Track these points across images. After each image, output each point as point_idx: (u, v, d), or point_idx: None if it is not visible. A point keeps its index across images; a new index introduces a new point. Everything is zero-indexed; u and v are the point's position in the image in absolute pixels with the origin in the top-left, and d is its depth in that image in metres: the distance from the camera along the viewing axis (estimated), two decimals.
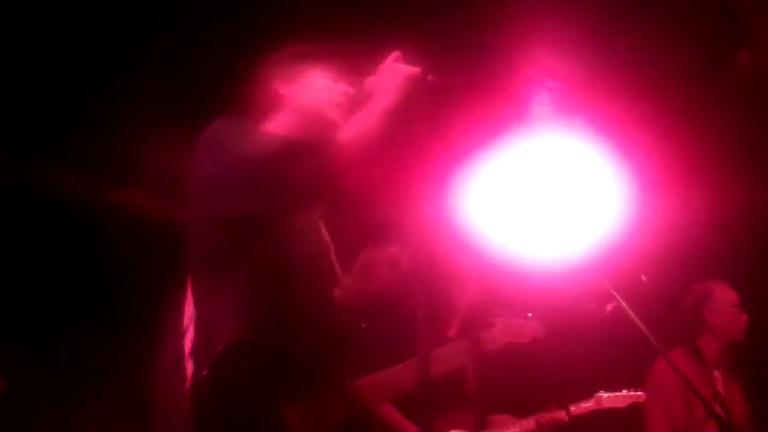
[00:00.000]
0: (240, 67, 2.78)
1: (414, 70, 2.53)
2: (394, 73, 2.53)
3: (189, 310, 2.48)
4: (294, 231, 2.51)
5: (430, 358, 2.32)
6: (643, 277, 3.84)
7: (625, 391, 4.26)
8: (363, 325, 2.71)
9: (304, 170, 2.40)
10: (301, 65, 2.73)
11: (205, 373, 2.32)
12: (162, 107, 3.94)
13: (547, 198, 4.05)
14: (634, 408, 4.31)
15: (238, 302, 2.39)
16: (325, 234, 2.72)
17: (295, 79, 2.71)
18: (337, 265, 2.70)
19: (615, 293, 3.44)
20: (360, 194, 2.52)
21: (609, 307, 3.61)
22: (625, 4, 4.29)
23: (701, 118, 4.81)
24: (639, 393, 4.26)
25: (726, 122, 4.84)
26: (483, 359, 3.97)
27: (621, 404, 4.24)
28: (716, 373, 4.43)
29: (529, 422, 4.13)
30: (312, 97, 2.70)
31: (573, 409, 4.19)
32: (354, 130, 2.45)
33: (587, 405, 4.22)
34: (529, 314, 4.21)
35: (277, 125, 2.65)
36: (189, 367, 2.38)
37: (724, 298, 4.46)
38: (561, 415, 4.14)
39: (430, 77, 2.51)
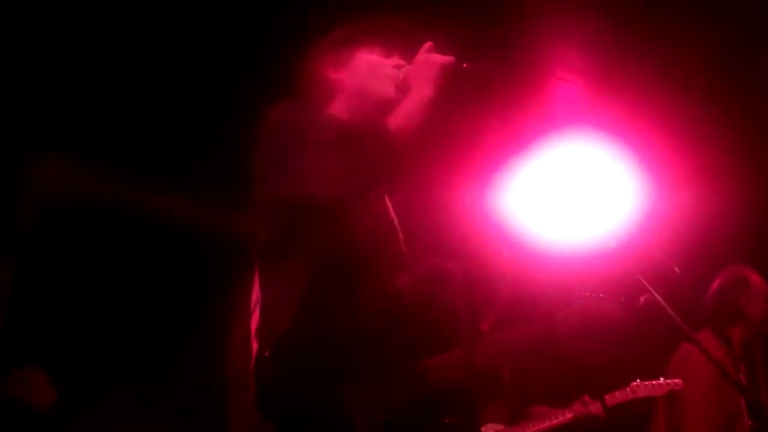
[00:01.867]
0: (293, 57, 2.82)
1: (448, 58, 2.58)
2: (429, 64, 2.58)
3: (256, 292, 2.52)
4: (358, 214, 2.52)
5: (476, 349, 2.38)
6: (676, 269, 3.85)
7: (661, 379, 4.24)
8: (430, 309, 2.70)
9: (366, 156, 2.44)
10: (348, 47, 2.76)
11: (267, 353, 2.37)
12: None
13: (578, 191, 4.09)
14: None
15: (300, 285, 2.40)
16: (392, 218, 2.71)
17: (345, 62, 2.74)
18: (406, 250, 2.69)
19: (647, 285, 3.46)
20: (412, 181, 2.58)
21: (642, 299, 3.63)
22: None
23: (725, 112, 4.82)
24: (676, 381, 4.24)
25: (748, 116, 4.85)
26: (556, 342, 3.94)
27: (658, 393, 4.21)
28: (741, 366, 4.41)
29: (565, 414, 4.11)
30: (364, 77, 2.71)
31: (608, 399, 4.17)
32: (395, 122, 2.49)
33: (623, 394, 4.20)
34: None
35: (336, 110, 2.69)
36: (254, 346, 2.42)
37: (759, 288, 4.43)
38: (597, 405, 4.13)
39: (465, 65, 2.58)
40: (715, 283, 4.52)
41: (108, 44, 4.42)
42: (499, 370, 4.04)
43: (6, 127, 4.57)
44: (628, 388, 4.20)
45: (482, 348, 3.69)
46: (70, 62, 4.48)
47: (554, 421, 4.08)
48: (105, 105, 4.68)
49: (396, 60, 2.73)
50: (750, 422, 4.19)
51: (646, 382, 4.20)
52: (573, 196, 4.08)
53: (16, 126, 4.61)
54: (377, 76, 2.70)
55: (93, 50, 4.45)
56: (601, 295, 4.08)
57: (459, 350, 2.47)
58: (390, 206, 2.72)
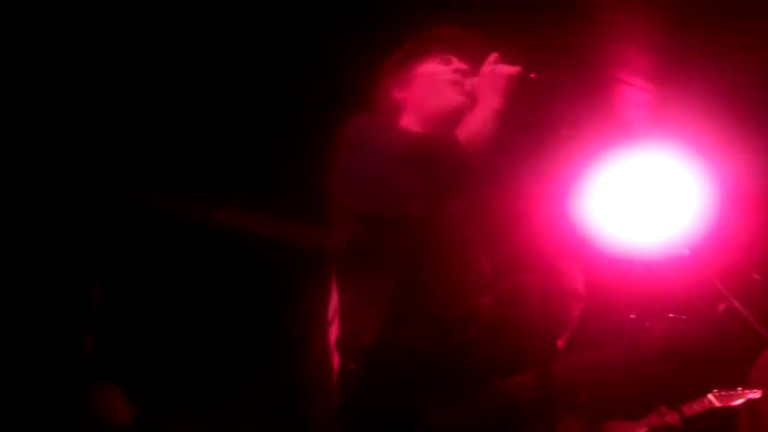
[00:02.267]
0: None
1: (515, 69, 2.56)
2: (496, 75, 2.57)
3: (333, 303, 2.53)
4: (436, 228, 2.51)
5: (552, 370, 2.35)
6: (756, 276, 3.77)
7: (739, 389, 4.13)
8: (516, 321, 2.68)
9: (440, 167, 2.44)
10: (407, 64, 2.77)
11: (352, 366, 2.37)
12: None
13: (652, 199, 4.03)
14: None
15: (379, 298, 2.40)
16: (471, 234, 2.70)
17: (406, 80, 2.76)
18: (486, 266, 2.68)
19: (726, 292, 3.38)
20: (486, 195, 2.57)
21: (720, 307, 3.56)
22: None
23: None
24: (755, 390, 4.13)
25: None
26: (639, 365, 3.87)
27: (736, 403, 4.12)
28: None
29: (642, 426, 4.05)
30: (426, 90, 2.72)
31: (686, 409, 4.09)
32: (465, 135, 2.48)
33: (700, 405, 4.11)
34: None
35: (407, 126, 2.70)
36: (335, 359, 2.43)
37: None
38: (674, 416, 4.05)
39: (532, 74, 2.56)
40: None
41: (182, 69, 4.50)
42: (576, 392, 3.99)
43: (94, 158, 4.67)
44: (705, 399, 4.11)
45: (561, 369, 3.66)
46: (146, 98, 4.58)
47: None
48: (182, 123, 4.75)
49: (455, 65, 2.74)
50: None
51: (725, 392, 4.11)
52: (647, 203, 4.02)
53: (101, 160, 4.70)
54: (439, 86, 2.71)
55: (168, 82, 4.54)
56: (684, 317, 4.02)
57: (537, 370, 2.43)
58: (468, 221, 2.71)
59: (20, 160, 4.67)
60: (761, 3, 4.14)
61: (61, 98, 4.50)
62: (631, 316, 3.76)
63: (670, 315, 3.80)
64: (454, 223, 2.61)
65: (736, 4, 4.18)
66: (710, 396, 4.14)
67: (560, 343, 4.07)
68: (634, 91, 4.29)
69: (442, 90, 2.70)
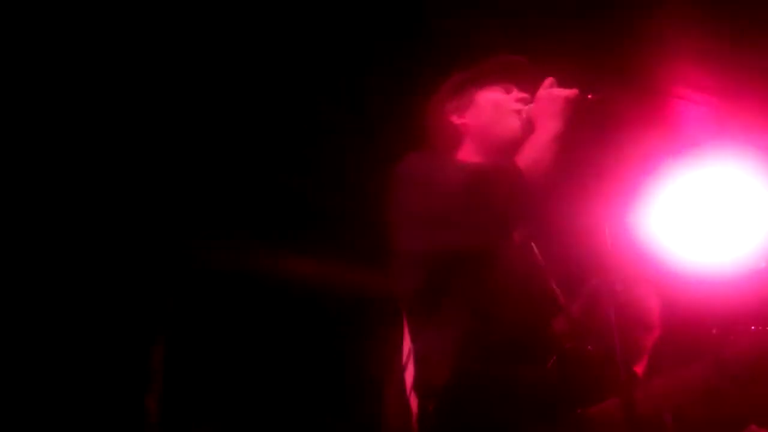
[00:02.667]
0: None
1: (572, 92, 2.55)
2: (553, 98, 2.55)
3: (407, 346, 2.50)
4: (503, 258, 2.48)
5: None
6: None
7: None
8: (589, 348, 2.64)
9: (500, 197, 2.42)
10: (468, 90, 2.76)
11: (431, 408, 2.34)
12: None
13: (721, 212, 3.97)
14: None
15: (453, 336, 2.37)
16: (540, 260, 2.66)
17: (467, 106, 2.75)
18: (559, 292, 2.63)
19: None
20: (550, 219, 2.55)
21: None
22: None
23: None
24: None
25: None
26: (725, 384, 3.75)
27: None
28: None
29: None
30: (488, 117, 2.71)
31: None
32: (526, 161, 2.46)
33: None
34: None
35: (464, 155, 2.70)
36: (413, 401, 2.39)
37: None
38: None
39: (589, 96, 2.55)
40: None
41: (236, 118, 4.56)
42: (662, 417, 3.89)
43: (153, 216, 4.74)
44: None
45: (643, 395, 3.57)
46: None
47: None
48: (245, 173, 4.81)
49: (516, 94, 2.72)
50: None
51: None
52: (719, 217, 3.96)
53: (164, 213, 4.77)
54: (501, 114, 2.70)
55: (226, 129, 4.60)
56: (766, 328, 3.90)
57: (620, 396, 2.38)
58: (536, 248, 2.67)
59: (85, 214, 4.73)
60: None
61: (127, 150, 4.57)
62: (713, 331, 3.67)
63: (753, 327, 3.69)
64: (521, 250, 2.59)
65: None
66: None
67: (639, 369, 4.00)
68: (693, 106, 4.24)
69: (503, 118, 2.68)
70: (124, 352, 4.84)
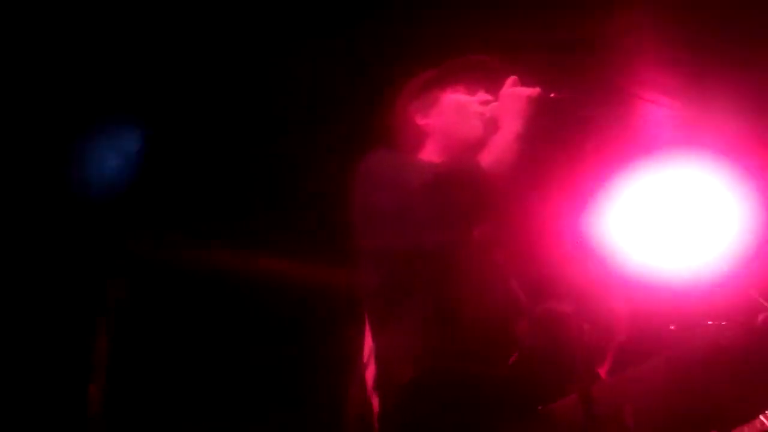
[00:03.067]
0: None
1: (535, 90, 2.56)
2: (515, 98, 2.56)
3: (368, 345, 2.51)
4: (464, 259, 2.49)
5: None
6: None
7: None
8: (550, 346, 2.65)
9: (462, 196, 2.43)
10: (432, 90, 2.76)
11: (391, 406, 2.35)
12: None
13: (684, 215, 4.00)
14: None
15: (414, 334, 2.38)
16: (501, 261, 2.66)
17: (431, 106, 2.75)
18: (520, 292, 2.64)
19: (765, 302, 3.34)
20: (513, 219, 2.55)
21: (760, 318, 3.50)
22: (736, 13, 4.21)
23: None
24: None
25: None
26: (680, 378, 3.77)
27: None
28: None
29: None
30: (451, 118, 2.72)
31: None
32: (488, 160, 2.47)
33: (751, 429, 4.00)
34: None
35: (427, 155, 2.69)
36: (374, 400, 2.40)
37: None
38: None
39: (552, 95, 2.56)
40: None
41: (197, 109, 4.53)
42: (621, 412, 3.91)
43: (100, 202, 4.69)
44: (757, 422, 4.00)
45: (601, 391, 3.59)
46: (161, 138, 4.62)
47: None
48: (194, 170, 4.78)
49: (482, 96, 2.73)
50: None
51: None
52: (679, 220, 3.99)
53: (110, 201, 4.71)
54: (465, 116, 2.71)
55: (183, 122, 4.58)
56: (723, 323, 3.94)
57: (579, 392, 2.40)
58: (498, 247, 2.68)
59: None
60: None
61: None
62: (671, 327, 3.72)
63: (710, 323, 3.74)
64: (483, 250, 2.59)
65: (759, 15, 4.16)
66: (761, 419, 4.03)
67: (602, 370, 4.03)
68: (656, 108, 4.27)
69: (466, 120, 2.69)
70: (68, 338, 4.77)
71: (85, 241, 4.77)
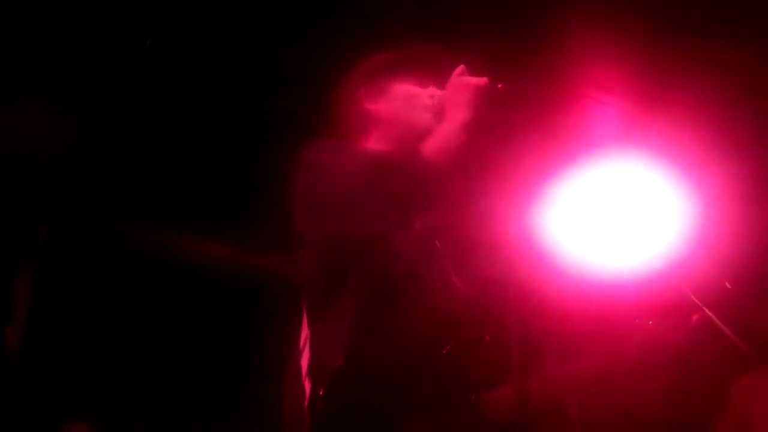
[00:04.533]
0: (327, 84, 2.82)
1: (482, 80, 2.55)
2: (462, 87, 2.56)
3: (304, 331, 2.49)
4: (401, 245, 2.48)
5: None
6: (727, 285, 3.77)
7: None
8: (487, 338, 2.65)
9: (402, 185, 2.42)
10: (383, 77, 2.75)
11: (321, 393, 2.33)
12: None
13: (622, 212, 4.04)
14: None
15: (349, 320, 2.37)
16: (440, 251, 2.66)
17: (381, 93, 2.73)
18: (457, 282, 2.63)
19: (700, 303, 3.38)
20: (454, 209, 2.54)
21: (694, 318, 3.55)
22: (685, 17, 4.26)
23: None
24: None
25: None
26: (620, 373, 3.81)
27: None
28: None
29: None
30: (401, 107, 2.70)
31: None
32: (432, 149, 2.46)
33: None
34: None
35: (372, 142, 2.68)
36: (306, 386, 2.38)
37: None
38: None
39: (499, 86, 2.55)
40: None
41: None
42: (561, 404, 3.95)
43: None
44: None
45: (540, 382, 3.62)
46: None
47: None
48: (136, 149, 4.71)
49: (431, 90, 2.72)
50: None
51: None
52: (616, 217, 4.03)
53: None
54: (413, 106, 2.69)
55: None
56: (662, 321, 3.99)
57: (515, 384, 2.40)
58: (437, 237, 2.67)
59: None
60: (730, 21, 4.18)
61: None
62: (608, 326, 3.76)
63: (649, 322, 3.79)
64: (423, 239, 2.58)
65: (708, 22, 4.21)
66: None
67: (537, 359, 4.06)
68: (602, 106, 4.30)
69: (416, 110, 2.68)
70: None
71: (11, 183, 4.65)
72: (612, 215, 4.02)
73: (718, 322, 3.34)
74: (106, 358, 4.90)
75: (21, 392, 4.54)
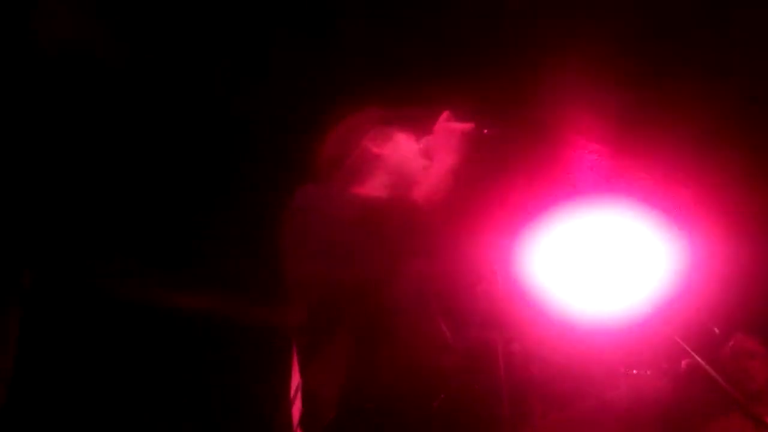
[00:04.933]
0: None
1: (468, 125, 2.57)
2: (449, 132, 2.58)
3: (295, 380, 2.45)
4: (392, 294, 2.45)
5: None
6: (716, 330, 3.76)
7: None
8: (477, 387, 2.62)
9: (392, 231, 2.41)
10: (389, 125, 2.75)
11: None
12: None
13: (608, 259, 4.04)
14: None
15: (338, 371, 2.34)
16: (430, 297, 2.62)
17: (386, 139, 2.73)
18: (447, 330, 2.60)
19: (688, 348, 3.37)
20: (443, 254, 2.54)
21: (683, 363, 3.54)
22: (664, 63, 4.31)
23: (748, 170, 4.77)
24: None
25: None
26: (607, 425, 3.78)
27: None
28: None
29: None
30: (402, 156, 2.70)
31: None
32: (420, 194, 2.47)
33: None
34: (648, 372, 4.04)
35: (362, 187, 2.67)
36: None
37: None
38: None
39: (485, 131, 2.56)
40: None
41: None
42: None
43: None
44: None
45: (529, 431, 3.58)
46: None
47: None
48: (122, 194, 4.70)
49: (419, 136, 2.73)
50: None
51: None
52: (603, 263, 4.03)
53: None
54: (404, 153, 2.71)
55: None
56: (648, 372, 3.98)
57: None
58: (428, 283, 2.65)
59: None
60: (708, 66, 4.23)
61: None
62: (597, 374, 3.74)
63: (634, 371, 3.77)
64: (412, 286, 2.55)
65: (685, 68, 4.26)
66: None
67: (526, 409, 4.02)
68: (587, 154, 4.33)
69: (412, 162, 2.69)
70: None
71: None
72: (598, 261, 4.02)
73: (707, 367, 3.33)
74: (91, 402, 4.83)
75: None
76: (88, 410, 4.80)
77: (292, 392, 2.48)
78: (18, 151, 4.31)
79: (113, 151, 4.42)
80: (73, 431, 4.73)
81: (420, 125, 2.76)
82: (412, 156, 2.69)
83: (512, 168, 2.64)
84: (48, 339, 4.80)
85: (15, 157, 4.33)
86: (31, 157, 4.36)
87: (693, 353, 3.36)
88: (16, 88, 4.06)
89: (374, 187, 2.67)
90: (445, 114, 2.64)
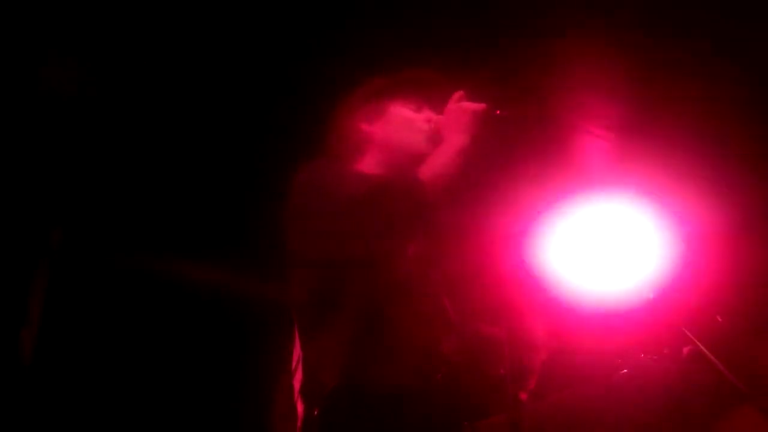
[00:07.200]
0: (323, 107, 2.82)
1: (480, 106, 2.56)
2: (461, 112, 2.57)
3: (297, 352, 2.49)
4: (396, 272, 2.48)
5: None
6: (719, 318, 3.77)
7: None
8: (481, 365, 2.64)
9: (399, 209, 2.41)
10: (380, 100, 2.76)
11: (315, 413, 2.32)
12: None
13: (613, 245, 4.04)
14: None
15: (343, 342, 2.37)
16: (434, 276, 2.65)
17: (378, 115, 2.74)
18: (450, 308, 2.63)
19: (691, 335, 3.38)
20: (450, 234, 2.54)
21: (685, 351, 3.54)
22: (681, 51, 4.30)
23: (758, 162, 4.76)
24: None
25: None
26: (610, 407, 3.78)
27: None
28: None
29: None
30: (397, 130, 2.71)
31: None
32: (429, 174, 2.46)
33: None
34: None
35: (367, 164, 2.69)
36: (299, 406, 2.39)
37: None
38: None
39: (497, 112, 2.56)
40: None
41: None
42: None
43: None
44: None
45: (533, 411, 3.59)
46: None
47: None
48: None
49: (427, 114, 2.72)
50: None
51: None
52: (607, 250, 4.03)
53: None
54: (409, 130, 2.70)
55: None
56: (654, 356, 3.98)
57: (508, 413, 2.39)
58: (432, 262, 2.67)
59: None
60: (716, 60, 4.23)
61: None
62: (600, 357, 3.73)
63: (642, 355, 3.78)
64: (416, 264, 2.58)
65: (695, 60, 4.25)
66: None
67: (528, 389, 4.04)
68: (594, 138, 4.33)
69: (412, 136, 2.69)
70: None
71: (25, 187, 4.64)
72: (605, 246, 4.02)
73: (710, 355, 3.33)
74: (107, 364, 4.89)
75: (33, 395, 4.53)
76: (105, 369, 4.86)
77: (294, 363, 2.50)
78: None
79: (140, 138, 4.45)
80: (93, 389, 4.78)
81: (427, 90, 2.76)
82: (418, 131, 2.69)
83: (524, 149, 2.63)
84: (72, 301, 4.84)
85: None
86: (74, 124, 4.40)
87: (696, 340, 3.36)
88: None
89: (377, 164, 2.68)
90: (458, 94, 2.63)
